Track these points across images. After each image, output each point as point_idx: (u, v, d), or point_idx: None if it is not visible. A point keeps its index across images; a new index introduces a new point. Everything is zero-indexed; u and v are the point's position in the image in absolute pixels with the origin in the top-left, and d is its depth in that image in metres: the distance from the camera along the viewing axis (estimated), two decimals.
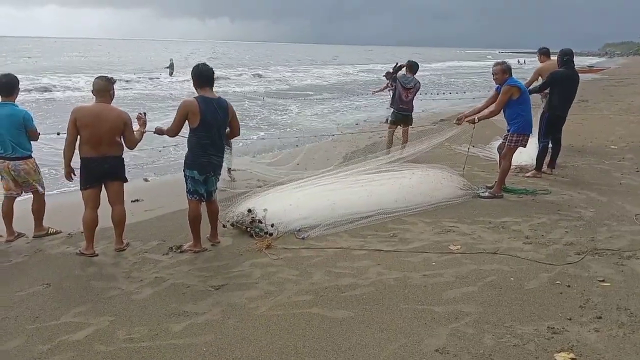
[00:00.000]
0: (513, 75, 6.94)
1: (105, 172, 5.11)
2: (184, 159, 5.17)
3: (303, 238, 5.44)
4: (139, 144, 5.40)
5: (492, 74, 6.99)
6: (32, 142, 5.77)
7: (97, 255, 5.19)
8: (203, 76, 5.00)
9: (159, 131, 5.36)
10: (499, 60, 7.17)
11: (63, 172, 5.30)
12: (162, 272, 4.75)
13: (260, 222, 5.59)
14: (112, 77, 5.24)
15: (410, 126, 9.57)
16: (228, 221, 5.73)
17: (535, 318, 3.71)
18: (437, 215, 6.04)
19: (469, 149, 7.74)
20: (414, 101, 9.47)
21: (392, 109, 9.73)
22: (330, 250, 5.12)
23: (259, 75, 37.97)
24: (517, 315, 3.76)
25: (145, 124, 5.48)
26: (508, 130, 7.03)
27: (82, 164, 5.05)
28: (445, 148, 8.89)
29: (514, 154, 7.32)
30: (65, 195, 7.81)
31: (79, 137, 4.97)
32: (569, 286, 4.19)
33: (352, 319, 3.75)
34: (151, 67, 41.95)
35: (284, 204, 5.94)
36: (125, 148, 5.25)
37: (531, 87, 8.31)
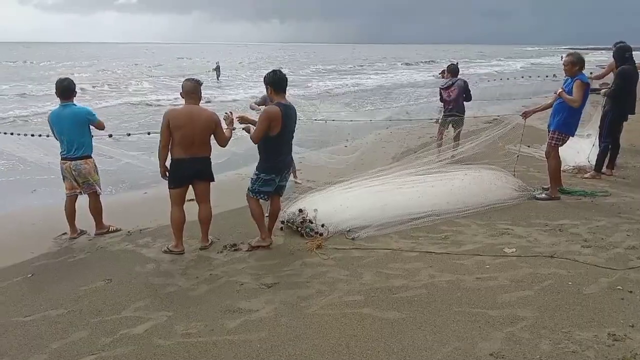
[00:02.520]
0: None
1: (196, 172, 5.25)
2: (258, 162, 5.26)
3: (353, 238, 5.45)
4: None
5: (563, 65, 6.74)
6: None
7: (183, 252, 5.33)
8: (279, 82, 5.10)
9: (246, 129, 5.50)
10: (570, 52, 6.93)
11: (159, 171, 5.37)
12: (217, 269, 4.88)
13: (310, 222, 5.64)
14: (199, 80, 5.39)
15: (461, 127, 9.41)
16: (281, 221, 5.81)
17: (595, 324, 3.58)
18: (491, 217, 5.91)
19: (519, 149, 7.54)
20: (464, 102, 9.31)
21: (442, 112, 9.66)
22: (380, 251, 5.11)
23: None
24: (575, 320, 3.64)
25: (233, 122, 5.58)
26: (549, 126, 6.83)
27: (172, 165, 5.19)
28: (499, 148, 8.69)
29: (569, 154, 7.07)
30: (125, 194, 8.14)
31: (171, 138, 5.09)
32: (631, 292, 4.01)
33: (403, 321, 3.74)
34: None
35: (334, 204, 5.97)
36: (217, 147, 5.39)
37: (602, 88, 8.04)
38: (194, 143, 5.10)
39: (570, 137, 6.82)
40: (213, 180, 5.44)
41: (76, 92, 6.04)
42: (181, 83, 5.34)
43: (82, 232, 6.21)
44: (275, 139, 5.04)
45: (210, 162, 5.36)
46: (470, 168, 6.97)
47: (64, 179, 6.03)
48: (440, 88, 9.48)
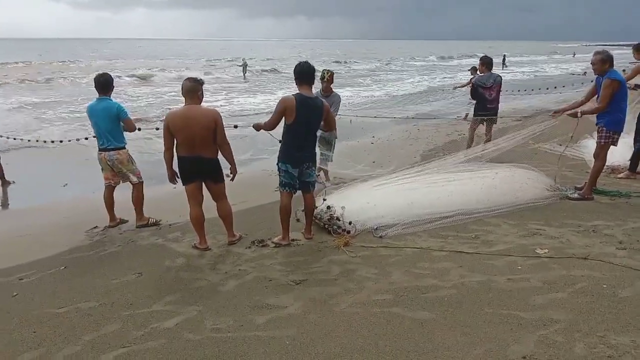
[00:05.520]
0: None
1: (200, 171, 5.23)
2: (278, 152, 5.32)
3: (381, 236, 5.41)
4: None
5: (591, 64, 6.60)
6: (131, 132, 6.31)
7: (209, 249, 5.37)
8: (304, 74, 5.17)
9: (257, 127, 5.48)
10: (598, 50, 6.75)
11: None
12: (245, 264, 4.91)
13: (338, 219, 5.63)
14: (200, 78, 5.37)
15: (494, 124, 9.21)
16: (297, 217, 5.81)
17: (632, 329, 3.48)
18: (522, 217, 5.80)
19: (566, 147, 7.34)
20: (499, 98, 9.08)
21: (474, 110, 9.36)
22: (409, 250, 5.06)
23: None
24: (611, 324, 3.55)
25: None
26: (597, 125, 6.65)
27: (178, 162, 5.23)
28: (530, 146, 8.53)
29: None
30: (154, 188, 8.22)
31: (175, 140, 5.12)
32: None
33: (433, 321, 3.69)
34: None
35: (362, 201, 5.95)
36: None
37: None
38: (196, 144, 5.04)
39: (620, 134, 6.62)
40: (221, 181, 5.37)
41: (113, 87, 6.25)
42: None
43: (123, 221, 6.42)
44: (291, 129, 5.11)
45: (217, 164, 5.27)
46: (501, 167, 6.84)
47: (102, 170, 6.29)
48: (481, 86, 8.77)
